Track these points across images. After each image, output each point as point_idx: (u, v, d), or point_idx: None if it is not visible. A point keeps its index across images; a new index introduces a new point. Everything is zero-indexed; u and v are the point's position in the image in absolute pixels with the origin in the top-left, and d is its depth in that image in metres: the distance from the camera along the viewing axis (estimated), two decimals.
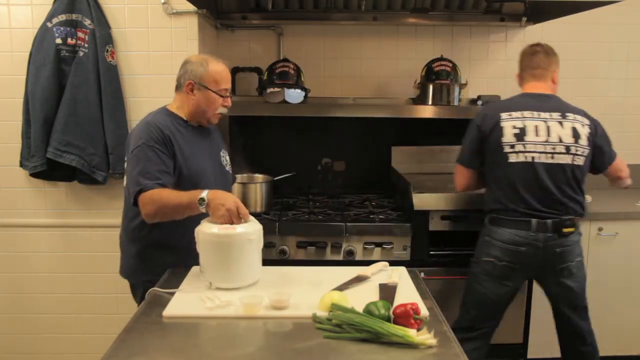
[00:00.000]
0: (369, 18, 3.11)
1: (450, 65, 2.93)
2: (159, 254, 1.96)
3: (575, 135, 2.21)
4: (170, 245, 1.95)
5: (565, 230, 2.20)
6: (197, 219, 1.79)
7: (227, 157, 2.19)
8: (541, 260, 2.23)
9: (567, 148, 2.20)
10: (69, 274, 2.74)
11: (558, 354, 2.62)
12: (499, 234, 2.24)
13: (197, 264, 1.84)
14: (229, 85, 2.01)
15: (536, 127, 2.21)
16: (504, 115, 2.24)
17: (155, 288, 1.68)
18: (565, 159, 2.20)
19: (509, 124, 2.22)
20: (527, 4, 2.99)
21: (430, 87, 2.94)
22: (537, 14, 3.06)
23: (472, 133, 2.31)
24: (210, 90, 1.94)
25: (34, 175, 2.57)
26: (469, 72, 3.17)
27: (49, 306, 2.77)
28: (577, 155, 2.20)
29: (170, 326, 1.47)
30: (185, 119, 2.00)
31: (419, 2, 3.05)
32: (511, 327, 2.50)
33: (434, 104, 2.95)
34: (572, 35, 3.21)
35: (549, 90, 2.33)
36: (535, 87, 2.32)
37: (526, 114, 2.23)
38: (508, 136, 2.21)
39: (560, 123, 2.22)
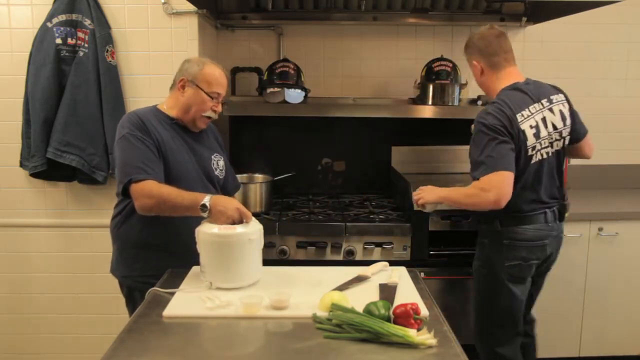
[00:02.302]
0: (369, 18, 3.11)
1: (450, 65, 2.93)
2: (134, 252, 1.98)
3: (563, 117, 2.17)
4: (143, 243, 1.95)
5: (566, 214, 2.22)
6: (170, 219, 1.86)
7: (222, 162, 2.12)
8: (552, 249, 2.23)
9: (560, 133, 2.17)
10: (69, 274, 2.75)
11: (554, 354, 2.62)
12: (519, 234, 2.15)
13: (174, 262, 1.88)
14: (222, 91, 1.97)
15: (542, 119, 2.12)
16: (519, 117, 2.08)
17: (155, 288, 1.68)
18: (559, 145, 2.18)
19: (527, 124, 2.08)
20: (527, 4, 2.99)
21: (430, 87, 2.94)
22: (537, 14, 3.06)
23: (500, 135, 2.04)
24: (201, 89, 1.92)
25: (34, 175, 2.57)
26: (469, 72, 3.15)
27: (49, 306, 2.77)
28: (566, 137, 2.19)
29: (170, 326, 1.47)
30: (172, 117, 1.98)
31: (419, 2, 3.05)
32: None
33: (434, 104, 2.94)
34: (572, 35, 3.21)
35: (521, 73, 2.22)
36: (514, 74, 2.20)
37: (531, 109, 2.12)
38: (530, 139, 2.09)
39: (551, 110, 2.15)
